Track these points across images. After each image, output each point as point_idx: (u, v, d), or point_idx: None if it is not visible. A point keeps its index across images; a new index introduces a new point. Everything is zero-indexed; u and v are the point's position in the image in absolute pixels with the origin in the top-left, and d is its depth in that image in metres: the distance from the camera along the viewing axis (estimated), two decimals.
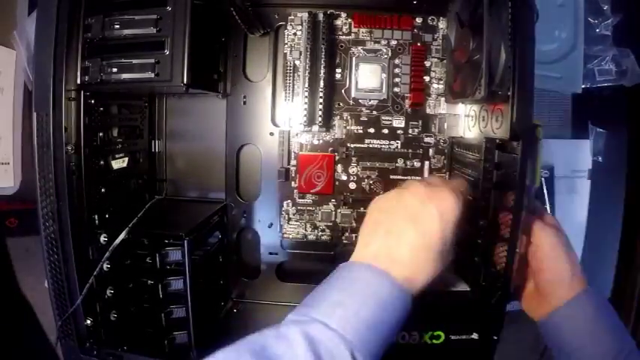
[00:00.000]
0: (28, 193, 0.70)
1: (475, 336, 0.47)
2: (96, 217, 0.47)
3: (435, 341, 0.48)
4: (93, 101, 0.47)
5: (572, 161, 0.64)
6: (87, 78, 0.45)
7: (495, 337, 0.46)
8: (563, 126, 0.66)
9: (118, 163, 0.52)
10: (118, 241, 0.45)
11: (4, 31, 0.66)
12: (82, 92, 0.45)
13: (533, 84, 0.40)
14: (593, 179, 0.65)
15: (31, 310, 0.90)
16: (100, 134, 0.49)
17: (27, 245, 0.90)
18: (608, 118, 0.66)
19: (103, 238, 0.47)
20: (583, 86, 0.64)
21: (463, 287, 0.48)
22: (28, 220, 0.80)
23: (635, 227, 0.70)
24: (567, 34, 0.63)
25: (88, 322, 0.47)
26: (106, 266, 0.46)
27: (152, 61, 0.43)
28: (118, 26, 0.44)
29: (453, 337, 0.48)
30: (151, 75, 0.44)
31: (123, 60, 0.44)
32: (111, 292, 0.47)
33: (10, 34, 0.66)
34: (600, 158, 0.65)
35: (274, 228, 0.58)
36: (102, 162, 0.49)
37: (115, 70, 0.44)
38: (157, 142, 0.59)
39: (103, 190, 0.49)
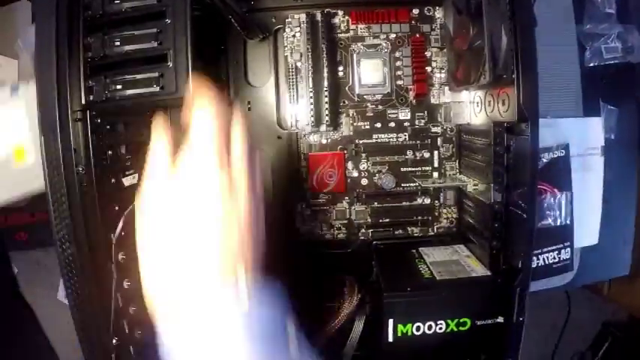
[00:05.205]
0: (36, 205, 0.69)
1: (501, 319, 0.47)
2: (112, 235, 0.47)
3: (461, 328, 0.48)
4: (99, 120, 0.46)
5: (585, 139, 0.64)
6: (92, 97, 0.44)
7: (521, 319, 0.46)
8: (575, 104, 0.66)
9: (129, 180, 0.52)
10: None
11: (6, 40, 0.66)
12: (88, 112, 0.45)
13: (537, 64, 0.41)
14: (607, 156, 0.65)
15: (37, 324, 0.89)
16: (109, 152, 0.48)
17: (37, 258, 0.89)
18: (618, 95, 0.66)
19: (121, 256, 0.46)
20: (591, 64, 0.64)
21: (484, 272, 0.48)
22: (38, 233, 0.80)
23: None
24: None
25: (114, 341, 0.47)
26: (126, 284, 0.46)
27: (156, 74, 0.43)
28: (118, 43, 0.44)
29: (479, 323, 0.48)
30: (156, 89, 0.43)
31: (127, 76, 0.44)
32: (134, 310, 0.47)
33: (14, 43, 0.66)
34: (613, 135, 0.65)
35: None
36: (113, 180, 0.49)
37: (119, 87, 0.44)
38: None
39: (116, 207, 0.48)
